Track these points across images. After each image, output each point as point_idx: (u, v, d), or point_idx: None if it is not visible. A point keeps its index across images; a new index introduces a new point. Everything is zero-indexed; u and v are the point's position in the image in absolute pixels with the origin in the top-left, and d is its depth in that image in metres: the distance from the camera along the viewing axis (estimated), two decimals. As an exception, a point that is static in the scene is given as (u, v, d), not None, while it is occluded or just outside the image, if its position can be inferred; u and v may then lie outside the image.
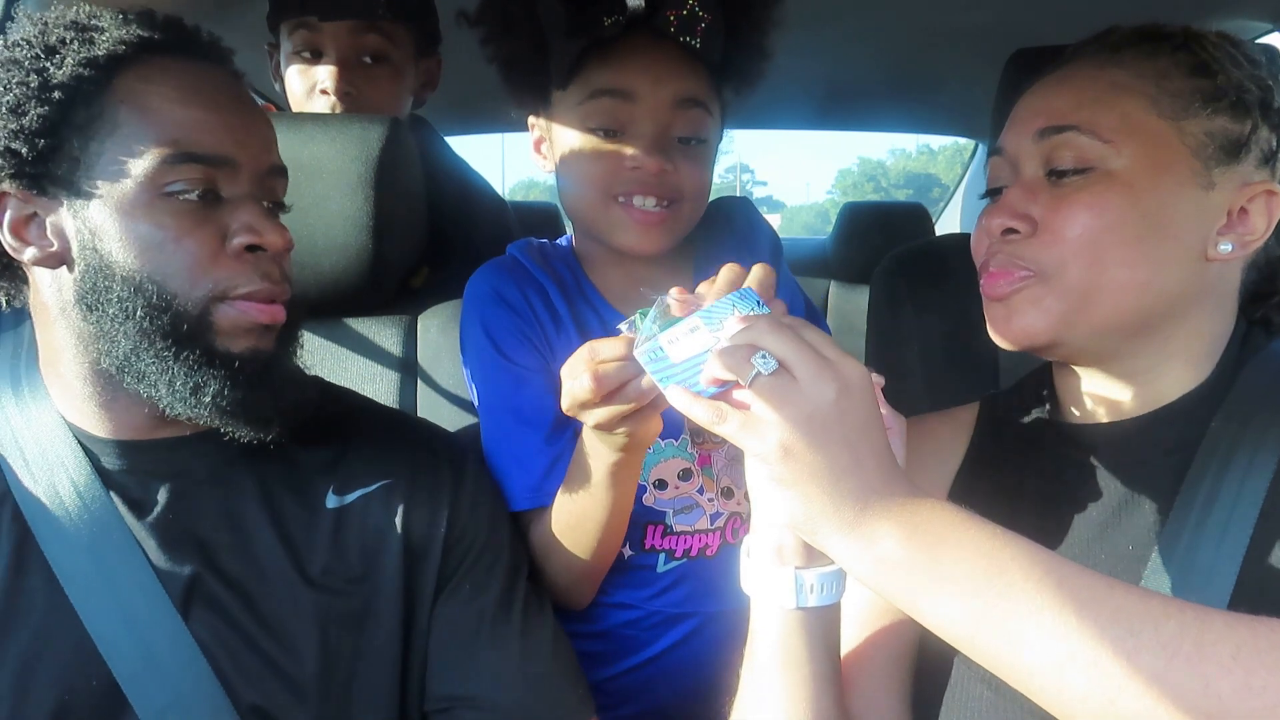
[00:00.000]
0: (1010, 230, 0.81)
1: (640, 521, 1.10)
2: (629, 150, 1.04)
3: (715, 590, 1.14)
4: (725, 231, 1.22)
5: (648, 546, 1.12)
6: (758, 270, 0.79)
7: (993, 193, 0.86)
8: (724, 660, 1.12)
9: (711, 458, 1.13)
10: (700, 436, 1.12)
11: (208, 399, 0.81)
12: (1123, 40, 0.83)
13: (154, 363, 0.81)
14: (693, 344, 0.73)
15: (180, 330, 0.81)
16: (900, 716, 0.84)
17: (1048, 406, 0.90)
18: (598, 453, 0.94)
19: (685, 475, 1.13)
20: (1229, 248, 0.78)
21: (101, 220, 0.80)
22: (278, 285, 0.86)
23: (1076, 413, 0.87)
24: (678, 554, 1.13)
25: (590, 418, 0.86)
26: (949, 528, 0.64)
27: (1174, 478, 0.77)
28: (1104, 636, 0.57)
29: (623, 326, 0.80)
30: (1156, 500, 0.78)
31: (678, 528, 1.13)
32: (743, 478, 1.15)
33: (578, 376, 0.83)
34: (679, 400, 0.71)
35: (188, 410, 0.82)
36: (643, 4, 1.01)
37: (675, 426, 1.11)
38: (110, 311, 0.80)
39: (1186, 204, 0.77)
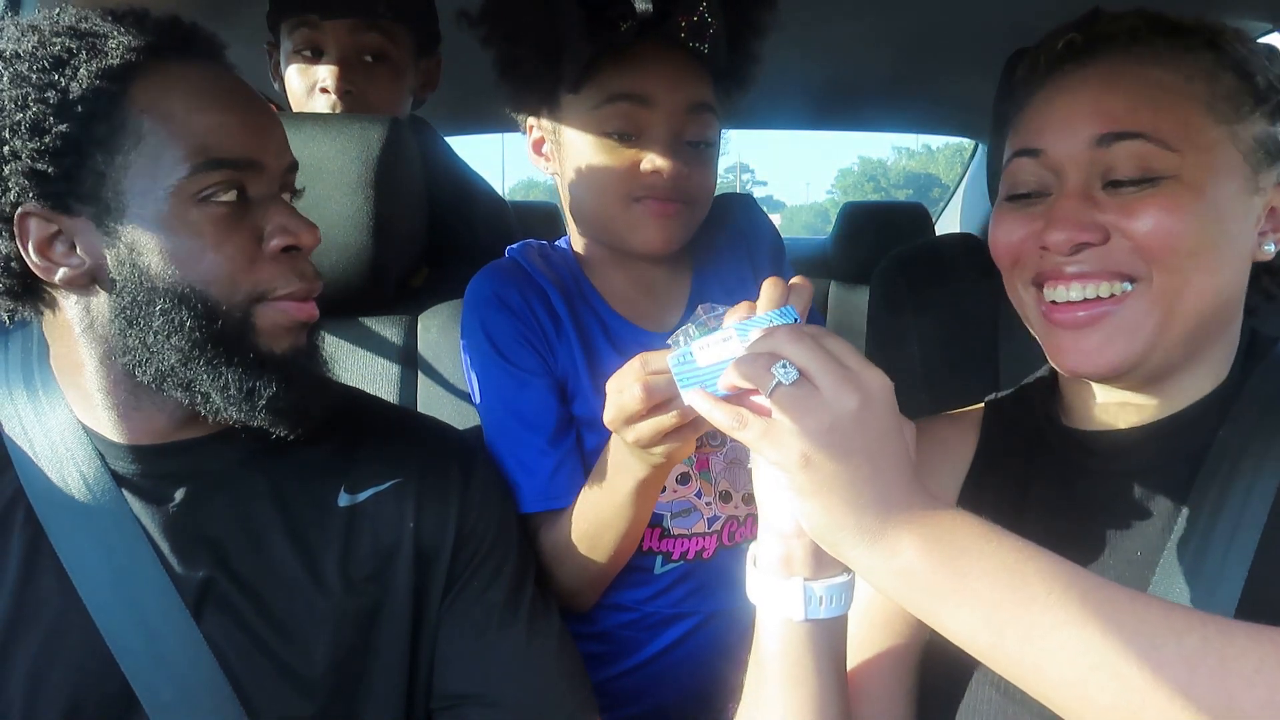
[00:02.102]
0: (1082, 245, 0.76)
1: (639, 524, 1.11)
2: (646, 155, 1.04)
3: (713, 591, 1.14)
4: (726, 230, 1.22)
5: (645, 549, 1.12)
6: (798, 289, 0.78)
7: (1022, 197, 0.81)
8: (723, 659, 1.12)
9: (710, 461, 1.13)
10: (699, 440, 1.12)
11: (263, 401, 0.82)
12: (1146, 29, 0.79)
13: (206, 370, 0.81)
14: (721, 351, 0.73)
15: (230, 336, 0.81)
16: None
17: (1055, 411, 0.89)
18: (627, 468, 0.94)
19: (683, 479, 1.13)
20: (1272, 248, 0.78)
21: (137, 235, 0.79)
22: (313, 282, 0.86)
23: (1085, 418, 0.86)
24: (675, 556, 1.14)
25: (632, 433, 0.85)
26: (971, 539, 0.64)
27: (1183, 484, 0.77)
28: (1127, 650, 0.57)
29: (671, 342, 0.80)
30: (1165, 506, 0.78)
31: (675, 530, 1.13)
32: (740, 481, 1.16)
33: (627, 387, 0.83)
34: (699, 404, 0.70)
35: (239, 413, 0.82)
36: (651, 10, 1.01)
37: None
38: (154, 325, 0.80)
39: (1239, 208, 0.76)
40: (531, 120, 1.16)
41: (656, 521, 1.12)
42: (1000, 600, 0.61)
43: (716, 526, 1.14)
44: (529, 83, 1.10)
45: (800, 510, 0.66)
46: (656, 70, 1.04)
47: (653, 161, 1.04)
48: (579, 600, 1.10)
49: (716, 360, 0.72)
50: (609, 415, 0.87)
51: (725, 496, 1.14)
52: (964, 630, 0.63)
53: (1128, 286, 0.76)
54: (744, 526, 1.15)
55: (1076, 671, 0.58)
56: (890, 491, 0.65)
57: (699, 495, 1.13)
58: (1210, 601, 0.71)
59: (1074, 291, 0.77)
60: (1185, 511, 0.76)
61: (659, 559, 1.13)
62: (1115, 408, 0.83)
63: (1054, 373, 0.91)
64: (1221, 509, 0.74)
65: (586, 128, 1.07)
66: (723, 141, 1.17)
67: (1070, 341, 0.78)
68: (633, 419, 0.84)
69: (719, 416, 0.68)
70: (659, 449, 0.87)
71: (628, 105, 1.04)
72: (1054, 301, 0.79)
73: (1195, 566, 0.73)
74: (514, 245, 1.20)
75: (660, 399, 0.82)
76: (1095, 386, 0.84)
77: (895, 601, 0.66)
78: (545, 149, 1.15)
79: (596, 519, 1.01)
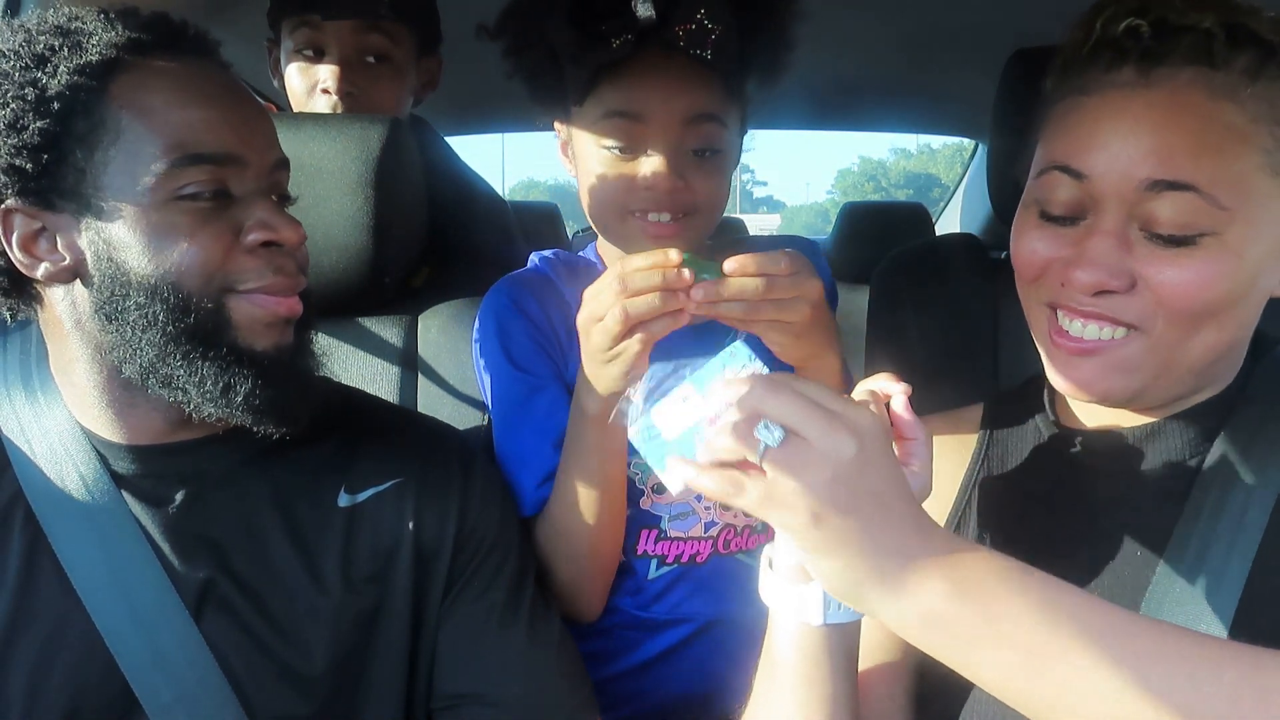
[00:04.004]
0: (1105, 290, 0.74)
1: (635, 526, 1.11)
2: (642, 169, 1.04)
3: (710, 598, 1.15)
4: None
5: (640, 552, 1.13)
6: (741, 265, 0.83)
7: (1054, 217, 0.77)
8: (725, 664, 1.12)
9: None
10: None
11: (239, 398, 0.81)
12: (1224, 40, 0.70)
13: (183, 365, 0.80)
14: (685, 415, 0.67)
15: (205, 329, 0.80)
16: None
17: (1055, 411, 0.89)
18: (590, 396, 0.96)
19: (685, 481, 1.13)
20: None
21: (115, 231, 0.79)
22: (292, 278, 0.85)
23: (1085, 418, 0.86)
24: (669, 559, 1.14)
25: (597, 332, 0.89)
26: (999, 581, 0.61)
27: (1185, 483, 0.77)
28: (1167, 690, 0.56)
29: (622, 400, 0.73)
30: (1167, 505, 0.78)
31: (671, 533, 1.13)
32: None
33: (608, 309, 0.86)
34: (685, 474, 0.65)
35: (218, 410, 0.82)
36: (653, 17, 1.00)
37: None
38: (131, 319, 0.80)
39: (1273, 260, 0.73)
40: (558, 124, 1.17)
41: (654, 523, 1.12)
42: (1034, 644, 0.59)
43: (713, 532, 1.14)
44: (543, 93, 1.11)
45: (818, 570, 0.64)
46: (652, 84, 1.03)
47: (648, 177, 1.04)
48: (581, 603, 1.10)
49: (684, 427, 0.67)
50: (581, 316, 0.90)
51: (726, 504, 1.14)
52: (997, 675, 0.61)
53: (1126, 331, 0.75)
54: (740, 537, 1.15)
55: (1117, 713, 0.57)
56: (906, 534, 0.63)
57: (699, 498, 1.13)
58: (1211, 600, 0.71)
59: (1089, 330, 0.76)
60: (1186, 510, 0.76)
61: (653, 562, 1.14)
62: (1116, 410, 0.83)
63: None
64: (1223, 508, 0.74)
65: (589, 140, 1.08)
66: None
67: (1066, 366, 0.78)
68: (615, 339, 0.87)
69: (709, 485, 0.64)
70: (615, 357, 0.89)
71: (623, 121, 1.04)
72: (1063, 328, 0.78)
73: (1196, 566, 0.73)
74: (545, 253, 1.22)
75: (639, 320, 0.85)
76: None
77: (923, 649, 0.63)
78: (569, 152, 1.17)
79: (571, 488, 1.02)
